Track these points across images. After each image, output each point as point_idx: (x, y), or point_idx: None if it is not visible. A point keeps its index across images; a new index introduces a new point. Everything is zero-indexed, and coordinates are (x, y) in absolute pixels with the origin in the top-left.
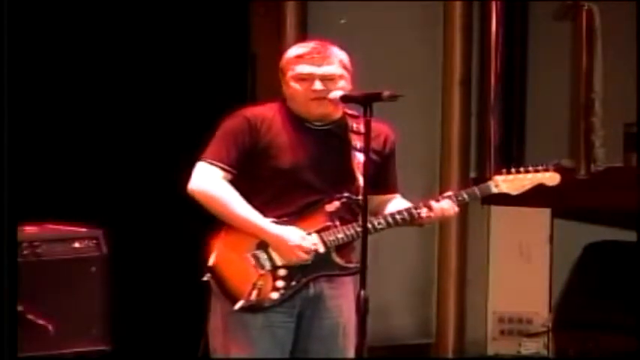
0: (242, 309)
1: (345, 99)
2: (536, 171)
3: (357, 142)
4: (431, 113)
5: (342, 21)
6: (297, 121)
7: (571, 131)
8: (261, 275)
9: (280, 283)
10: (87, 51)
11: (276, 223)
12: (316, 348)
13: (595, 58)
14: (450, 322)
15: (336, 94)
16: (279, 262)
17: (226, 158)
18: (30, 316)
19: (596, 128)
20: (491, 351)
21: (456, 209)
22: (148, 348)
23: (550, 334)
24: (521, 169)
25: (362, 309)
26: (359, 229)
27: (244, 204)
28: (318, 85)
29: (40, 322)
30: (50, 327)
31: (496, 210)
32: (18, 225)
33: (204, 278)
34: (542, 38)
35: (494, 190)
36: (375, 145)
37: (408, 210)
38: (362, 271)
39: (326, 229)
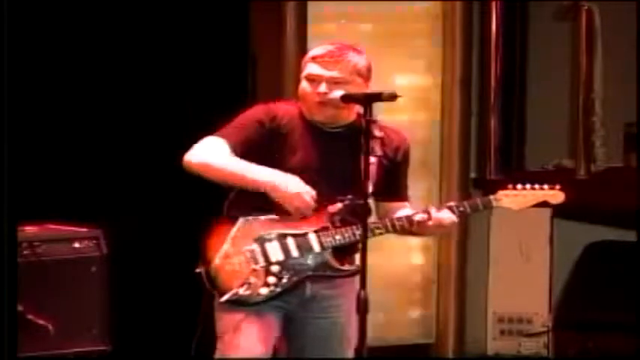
0: (231, 301)
1: (345, 99)
2: (542, 189)
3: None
4: (431, 113)
5: (342, 21)
6: (309, 123)
7: (571, 131)
8: (254, 270)
9: (271, 280)
10: (87, 51)
11: (277, 220)
12: (313, 347)
13: (595, 58)
14: (450, 322)
15: (337, 94)
16: (273, 258)
17: (233, 137)
18: (30, 316)
19: (596, 128)
20: (491, 351)
21: (455, 220)
22: (147, 348)
23: (550, 334)
24: (527, 185)
25: (362, 309)
26: (357, 233)
27: (241, 162)
28: (322, 87)
29: (40, 322)
30: (50, 327)
31: (496, 210)
32: (18, 225)
33: (197, 270)
34: (542, 38)
35: (496, 204)
36: (388, 150)
37: (408, 217)
38: (362, 271)
39: (324, 229)
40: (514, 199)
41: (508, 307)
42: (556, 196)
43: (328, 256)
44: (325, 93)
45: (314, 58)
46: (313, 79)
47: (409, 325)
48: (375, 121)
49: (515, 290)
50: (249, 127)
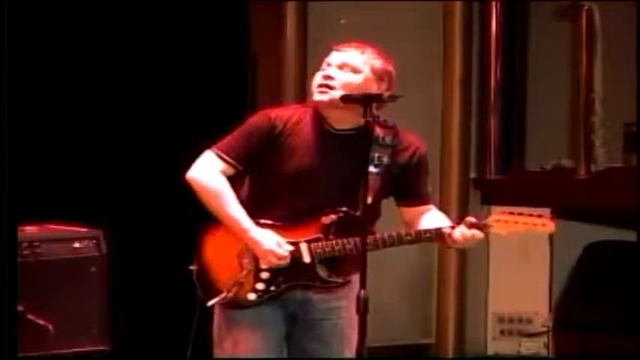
0: (225, 305)
1: (345, 99)
2: (531, 216)
3: (376, 153)
4: (431, 113)
5: (342, 21)
6: (317, 126)
7: (571, 131)
8: (244, 274)
9: (260, 286)
10: (87, 51)
11: (270, 225)
12: (314, 348)
13: (595, 58)
14: (450, 322)
15: (353, 80)
16: (262, 264)
17: (233, 152)
18: (30, 316)
19: (596, 128)
20: (491, 351)
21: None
22: (148, 348)
23: (550, 334)
24: (519, 212)
25: (362, 309)
26: (347, 247)
27: (232, 200)
28: (329, 70)
29: (40, 322)
30: (50, 327)
31: (496, 210)
32: (18, 225)
33: (191, 267)
34: (542, 38)
35: (490, 230)
36: (401, 157)
37: (398, 233)
38: (362, 272)
39: (316, 240)
40: (505, 225)
41: (508, 307)
42: (546, 226)
43: (317, 266)
44: (330, 77)
45: (334, 49)
46: (326, 67)
47: (409, 325)
48: (390, 128)
49: (515, 290)
50: (248, 136)
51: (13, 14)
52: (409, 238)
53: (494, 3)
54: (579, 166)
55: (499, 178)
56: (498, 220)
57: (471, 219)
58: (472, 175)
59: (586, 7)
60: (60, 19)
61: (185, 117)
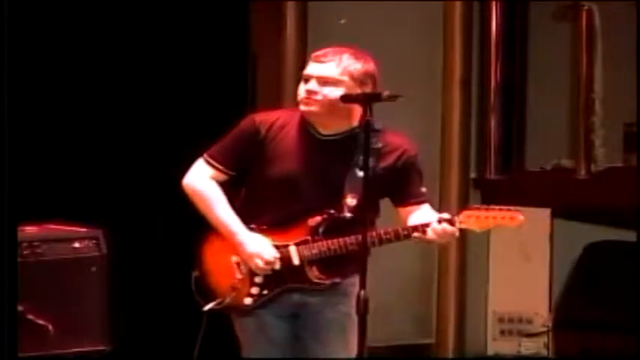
0: (232, 312)
1: (345, 99)
2: (500, 209)
3: (362, 157)
4: (431, 113)
5: (342, 21)
6: (304, 130)
7: (571, 131)
8: (240, 280)
9: (254, 290)
10: (87, 51)
11: (258, 229)
12: (313, 348)
13: (595, 58)
14: (450, 322)
15: (336, 94)
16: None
17: (221, 158)
18: (30, 316)
19: (596, 128)
20: (491, 351)
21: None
22: (148, 348)
23: (550, 334)
24: (489, 207)
25: (362, 309)
26: (332, 247)
27: (222, 205)
28: (310, 85)
29: (40, 322)
30: (50, 327)
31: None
32: (18, 225)
33: (194, 273)
34: (542, 38)
35: (460, 225)
36: (387, 160)
37: (378, 233)
38: (362, 272)
39: (304, 242)
40: (476, 220)
41: (508, 307)
42: (515, 219)
43: (307, 268)
44: (313, 92)
45: (312, 57)
46: (306, 78)
47: (409, 325)
48: (377, 131)
49: (515, 290)
50: (234, 141)
51: (14, 14)
52: (388, 237)
53: (494, 3)
54: (579, 166)
55: (499, 178)
56: (469, 216)
57: (442, 215)
58: (472, 175)
59: (586, 7)
60: (60, 19)
61: (185, 116)
